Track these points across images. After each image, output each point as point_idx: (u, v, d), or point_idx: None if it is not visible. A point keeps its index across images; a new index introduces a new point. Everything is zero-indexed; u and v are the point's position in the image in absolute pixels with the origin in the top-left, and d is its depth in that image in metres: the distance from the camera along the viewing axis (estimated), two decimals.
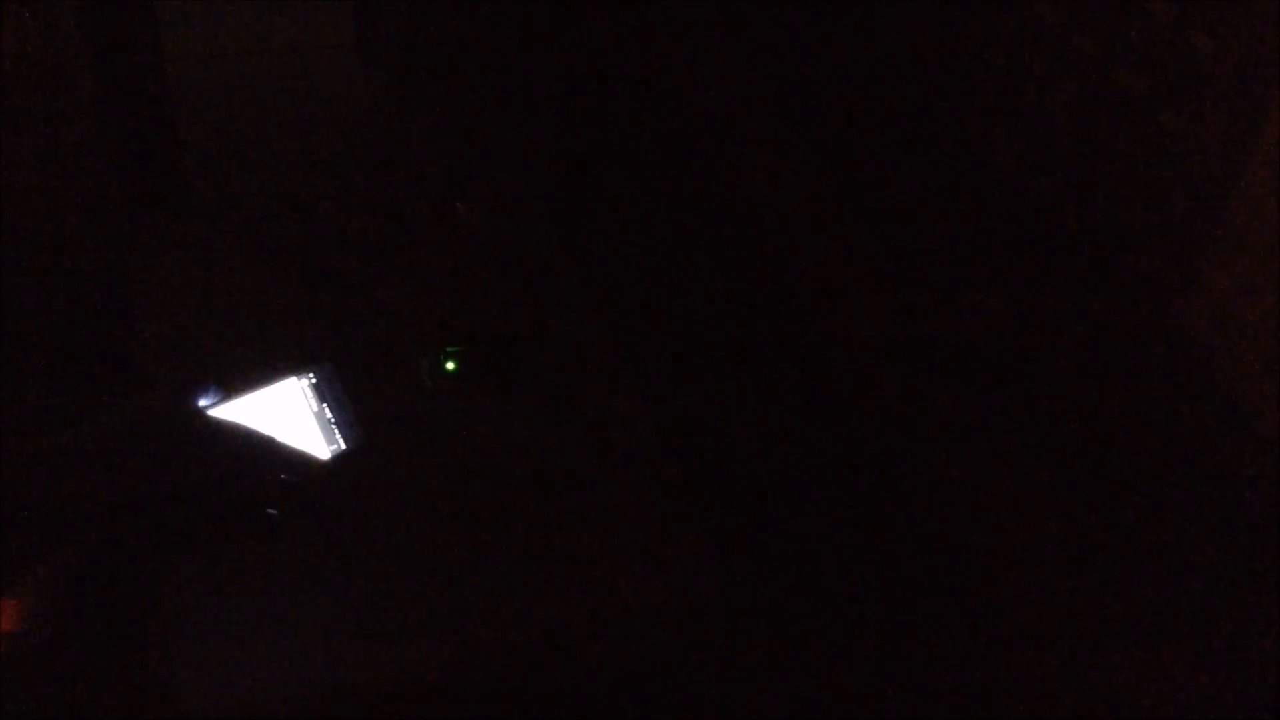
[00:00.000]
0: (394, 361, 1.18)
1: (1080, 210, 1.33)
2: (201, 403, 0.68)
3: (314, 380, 0.88)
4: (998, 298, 1.42)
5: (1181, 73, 1.16)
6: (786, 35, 1.79)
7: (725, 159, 1.72)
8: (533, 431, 1.15)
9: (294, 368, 0.87)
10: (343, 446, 0.88)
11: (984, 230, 1.46)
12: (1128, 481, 1.21)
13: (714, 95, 1.79)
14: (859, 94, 1.68)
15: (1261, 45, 1.08)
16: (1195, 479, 1.17)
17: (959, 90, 1.49)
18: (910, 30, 1.57)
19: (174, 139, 1.35)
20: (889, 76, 1.62)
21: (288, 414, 0.81)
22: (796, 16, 1.77)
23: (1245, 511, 1.13)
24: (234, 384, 0.77)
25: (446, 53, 1.74)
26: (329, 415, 0.86)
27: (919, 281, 1.49)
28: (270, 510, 0.62)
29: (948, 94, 1.51)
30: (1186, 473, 1.18)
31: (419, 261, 1.31)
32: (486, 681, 0.99)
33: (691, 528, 1.10)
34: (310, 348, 1.04)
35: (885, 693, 1.15)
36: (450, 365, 1.18)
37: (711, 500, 1.23)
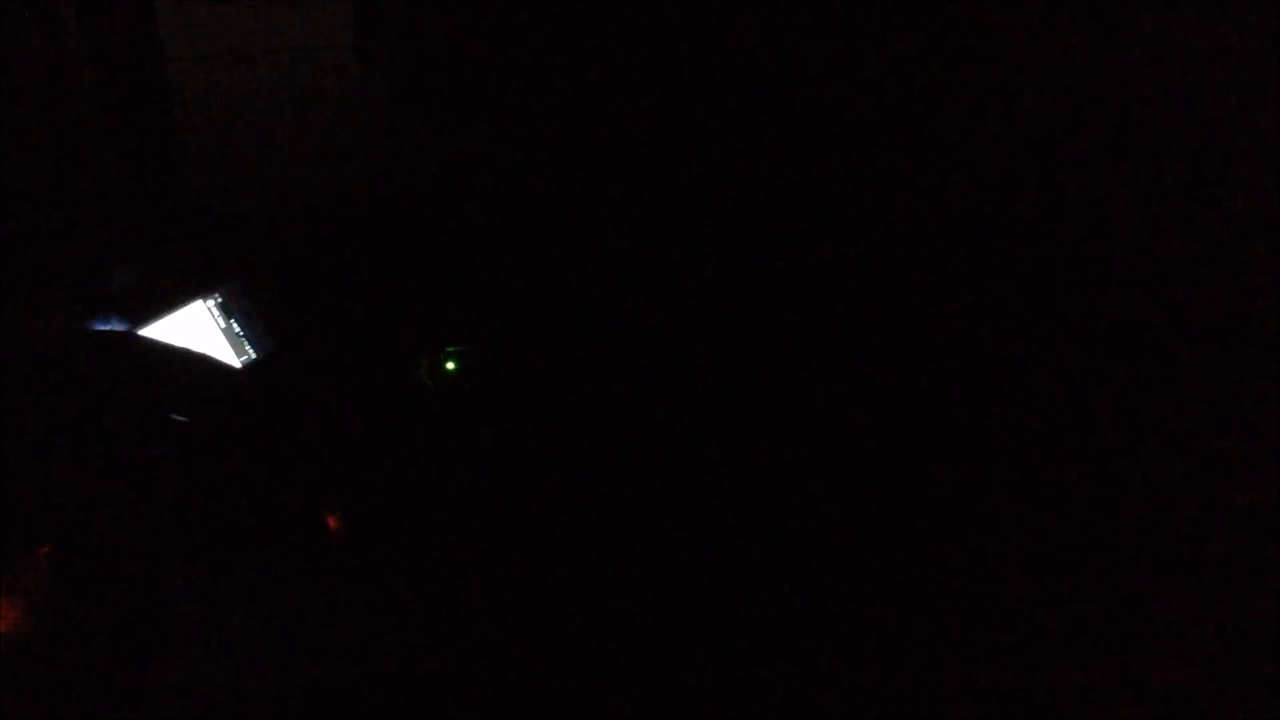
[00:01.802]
0: (394, 361, 1.18)
1: (1080, 210, 1.33)
2: (102, 328, 0.68)
3: (220, 299, 0.89)
4: (996, 298, 1.42)
5: (1181, 73, 1.16)
6: (785, 34, 1.79)
7: (724, 158, 1.72)
8: (532, 431, 1.15)
9: (199, 290, 0.87)
10: (254, 356, 0.89)
11: (984, 230, 1.46)
12: (1128, 481, 1.21)
13: (715, 95, 1.79)
14: (859, 93, 1.68)
15: (1261, 45, 1.08)
16: (1195, 479, 1.17)
17: (958, 90, 1.49)
18: (910, 29, 1.57)
19: (174, 139, 1.35)
20: (888, 76, 1.62)
21: (197, 334, 0.82)
22: (795, 16, 1.77)
23: (1245, 511, 1.13)
24: (139, 311, 0.77)
25: (447, 53, 1.74)
26: (238, 329, 0.86)
27: (918, 281, 1.49)
28: (178, 417, 0.62)
29: (947, 94, 1.51)
30: (1186, 473, 1.18)
31: (419, 261, 1.31)
32: (486, 681, 0.99)
33: (690, 528, 1.10)
34: (210, 269, 1.01)
35: (884, 691, 1.15)
36: (450, 365, 1.18)
37: (711, 500, 1.23)
